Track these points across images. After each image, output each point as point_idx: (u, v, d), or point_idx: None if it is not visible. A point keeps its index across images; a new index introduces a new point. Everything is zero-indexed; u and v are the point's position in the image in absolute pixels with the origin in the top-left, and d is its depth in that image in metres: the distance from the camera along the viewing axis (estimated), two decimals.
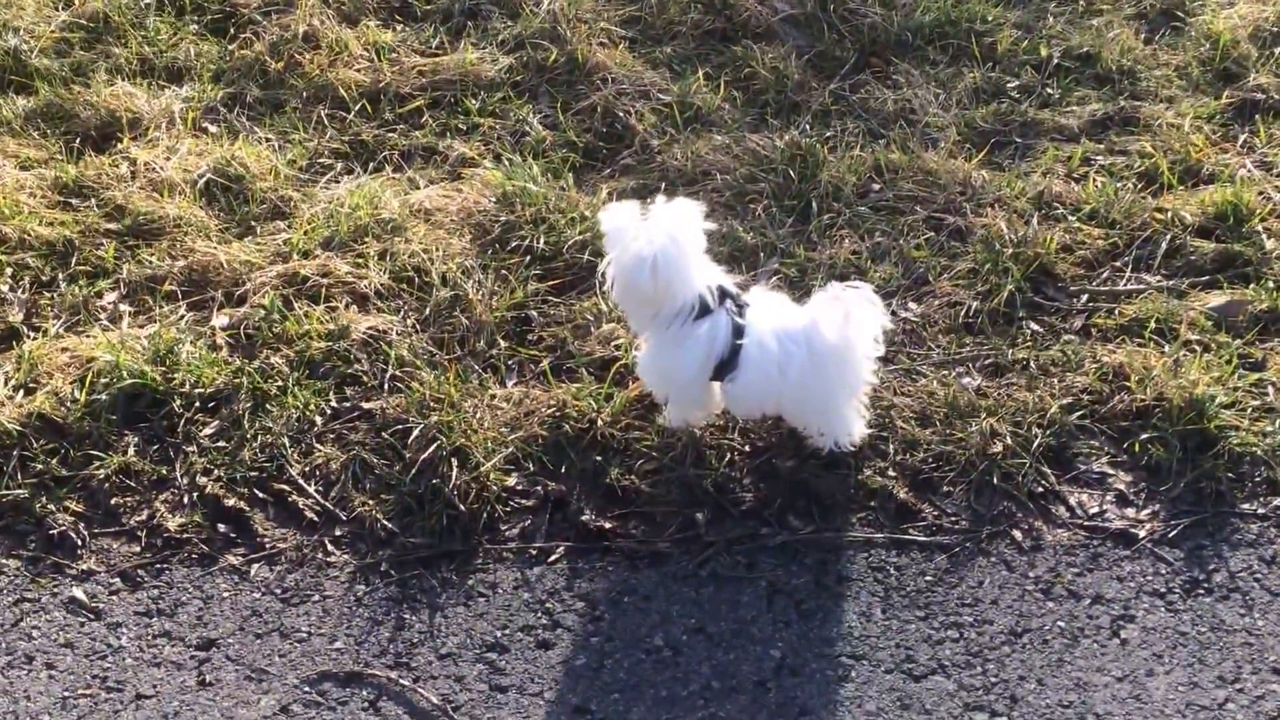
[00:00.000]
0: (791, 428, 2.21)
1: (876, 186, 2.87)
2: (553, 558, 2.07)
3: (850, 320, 2.03)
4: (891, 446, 2.26)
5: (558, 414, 2.26)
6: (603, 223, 2.04)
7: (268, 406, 2.30)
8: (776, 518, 2.14)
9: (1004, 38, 3.32)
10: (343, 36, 3.38)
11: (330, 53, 3.34)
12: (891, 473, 2.22)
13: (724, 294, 2.06)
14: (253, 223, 2.80)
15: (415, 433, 2.20)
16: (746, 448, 2.23)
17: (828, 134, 3.00)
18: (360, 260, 2.65)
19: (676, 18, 3.47)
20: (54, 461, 2.19)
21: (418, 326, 2.50)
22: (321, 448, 2.24)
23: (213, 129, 3.11)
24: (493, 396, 2.31)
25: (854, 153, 2.90)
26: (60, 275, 2.62)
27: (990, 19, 3.39)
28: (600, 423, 2.23)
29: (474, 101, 3.20)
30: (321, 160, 3.02)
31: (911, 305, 2.57)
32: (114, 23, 3.41)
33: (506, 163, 2.92)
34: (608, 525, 2.12)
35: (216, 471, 2.19)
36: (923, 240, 2.71)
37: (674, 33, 3.44)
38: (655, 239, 1.97)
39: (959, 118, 3.08)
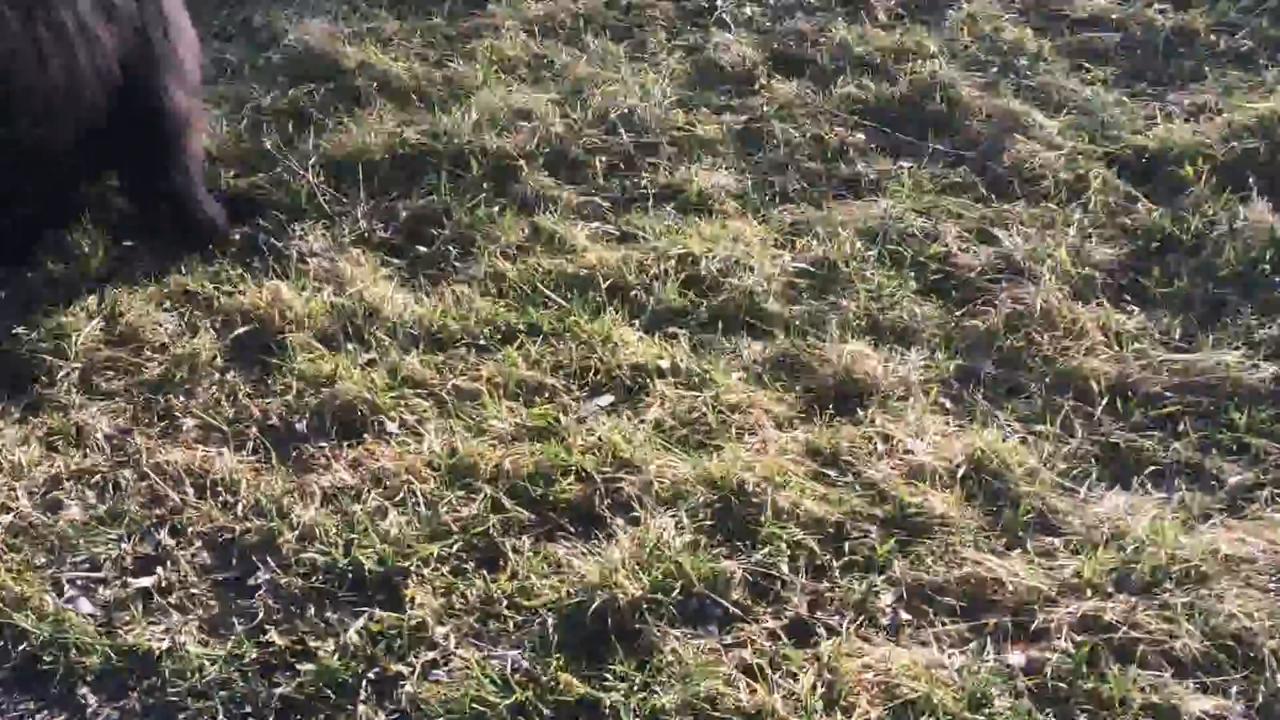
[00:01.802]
0: None
1: None
2: None
3: None
4: None
5: None
6: None
7: None
8: None
9: None
10: (1078, 317, 3.29)
11: (1066, 335, 3.25)
12: None
13: None
14: (1020, 533, 2.70)
15: None
16: None
17: None
18: (1165, 612, 2.47)
19: None
20: None
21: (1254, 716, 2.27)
22: None
23: (949, 405, 3.09)
24: None
25: None
26: (834, 562, 2.63)
27: None
28: None
29: (1239, 415, 2.99)
30: (1078, 464, 2.89)
31: None
32: (839, 271, 3.51)
33: None
34: None
35: None
36: None
37: None
38: None
39: None
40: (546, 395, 3.07)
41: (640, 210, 3.75)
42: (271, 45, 4.41)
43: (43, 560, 2.61)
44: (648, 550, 2.56)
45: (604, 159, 3.94)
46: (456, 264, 3.54)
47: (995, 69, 4.31)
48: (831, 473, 2.84)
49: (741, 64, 4.38)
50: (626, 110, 4.11)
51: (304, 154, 3.90)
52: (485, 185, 3.82)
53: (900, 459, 2.87)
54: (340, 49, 4.35)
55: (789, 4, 4.69)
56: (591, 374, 3.13)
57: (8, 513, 2.68)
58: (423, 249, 3.61)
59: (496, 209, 3.71)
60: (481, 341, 3.25)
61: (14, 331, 3.17)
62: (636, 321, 3.32)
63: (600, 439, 2.89)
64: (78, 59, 3.03)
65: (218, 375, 3.12)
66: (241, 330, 3.25)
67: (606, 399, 3.08)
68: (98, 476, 2.80)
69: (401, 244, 3.64)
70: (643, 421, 2.98)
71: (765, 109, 4.16)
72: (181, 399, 3.04)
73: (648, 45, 4.51)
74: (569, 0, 4.72)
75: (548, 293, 3.39)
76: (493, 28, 4.57)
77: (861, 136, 4.06)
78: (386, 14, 4.66)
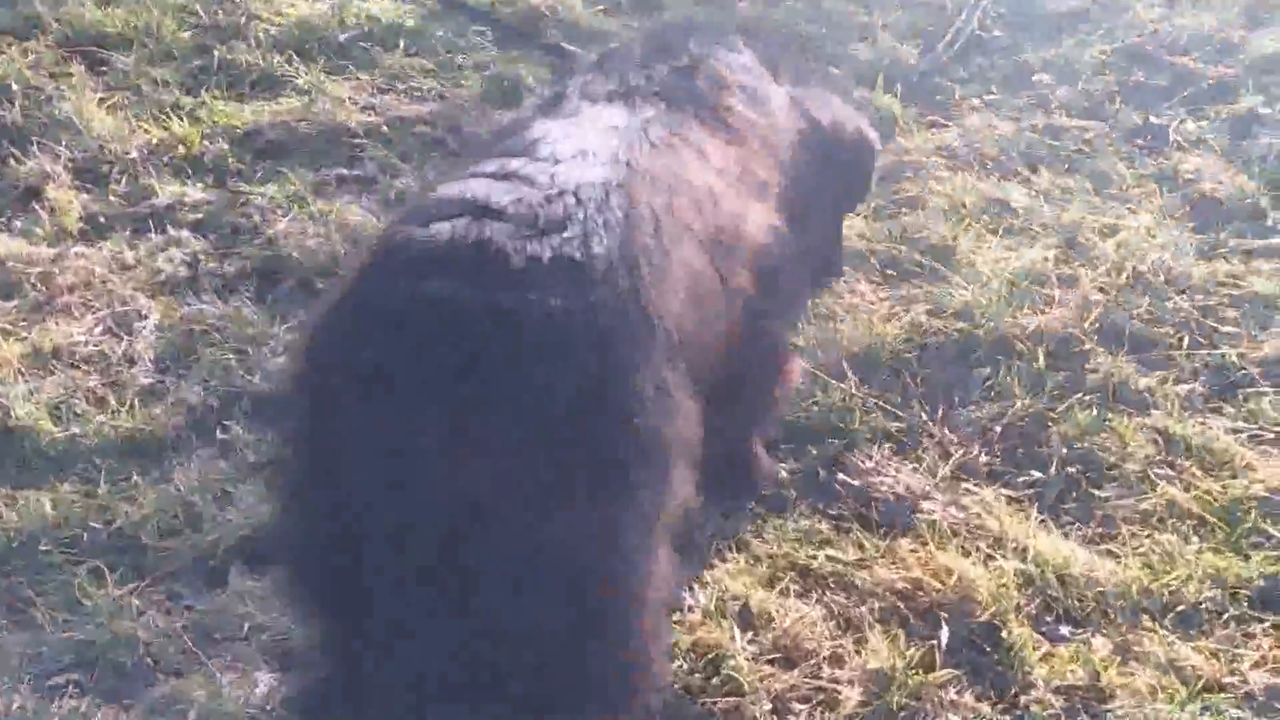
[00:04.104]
0: None
1: None
2: None
3: None
4: None
5: None
6: None
7: None
8: None
9: None
10: None
11: None
12: None
13: None
14: None
15: None
16: None
17: None
18: None
19: None
20: None
21: None
22: None
23: None
24: None
25: None
26: None
27: None
28: None
29: None
30: None
31: None
32: None
33: None
34: None
35: None
36: None
37: None
38: None
39: None
40: None
41: (1258, 397, 3.24)
42: None
43: None
44: None
45: (1169, 330, 3.44)
46: (1096, 492, 2.97)
47: None
48: None
49: (1239, 195, 3.94)
50: (1156, 265, 3.62)
51: (805, 351, 3.30)
52: (1054, 376, 3.27)
53: None
54: None
55: (1241, 119, 4.29)
56: None
57: None
58: (1037, 474, 3.03)
59: (1094, 412, 3.16)
60: (1210, 607, 2.69)
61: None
62: None
63: None
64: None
65: (938, 695, 2.48)
66: (917, 622, 2.62)
67: None
68: None
69: (1002, 468, 3.06)
70: None
71: None
72: None
73: (1107, 176, 4.04)
74: (982, 127, 4.24)
75: (1270, 529, 2.84)
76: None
77: None
78: None
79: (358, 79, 4.31)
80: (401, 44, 4.46)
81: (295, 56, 4.36)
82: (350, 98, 4.18)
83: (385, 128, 4.06)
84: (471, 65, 4.43)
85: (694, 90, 2.48)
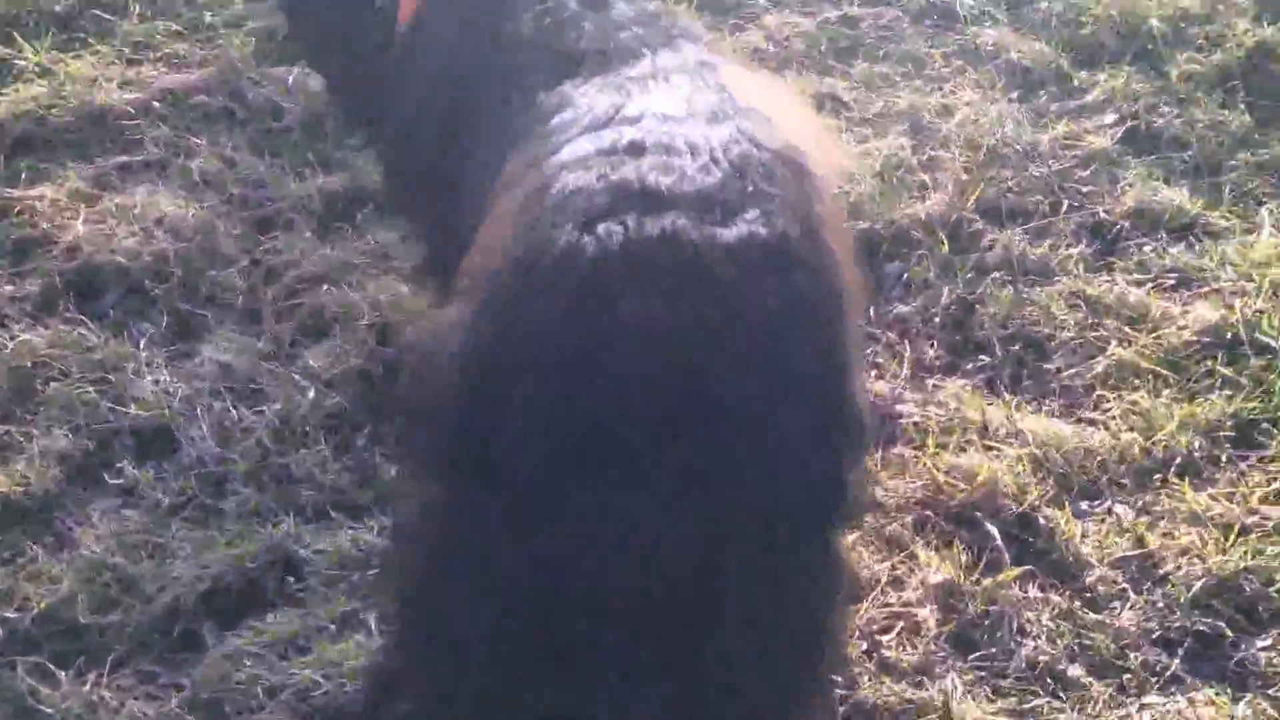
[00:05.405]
0: None
1: None
2: None
3: None
4: None
5: None
6: None
7: None
8: None
9: None
10: None
11: None
12: None
13: None
14: None
15: None
16: None
17: None
18: None
19: None
20: None
21: None
22: None
23: None
24: None
25: None
26: None
27: None
28: None
29: None
30: None
31: None
32: None
33: None
34: None
35: None
36: None
37: None
38: None
39: None
40: None
41: (1139, 249, 3.37)
42: None
43: None
44: None
45: (1039, 199, 3.53)
46: (1044, 365, 3.03)
47: None
48: None
49: (1043, 61, 4.09)
50: (1006, 138, 3.70)
51: None
52: (961, 260, 3.29)
53: None
54: None
55: None
56: None
57: None
58: (985, 358, 3.05)
59: (1009, 289, 3.20)
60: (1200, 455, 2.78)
61: None
62: None
63: None
64: None
65: (1010, 595, 2.44)
66: (952, 526, 2.58)
67: None
68: None
69: (950, 359, 3.06)
70: None
71: (1129, 107, 3.90)
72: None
73: (918, 59, 4.10)
74: (781, 25, 4.20)
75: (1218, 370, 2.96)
76: None
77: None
78: None
79: (98, 51, 3.75)
80: (135, 7, 3.92)
81: (11, 35, 3.74)
82: (101, 75, 3.63)
83: (156, 103, 3.55)
84: (223, 23, 3.94)
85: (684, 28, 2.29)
